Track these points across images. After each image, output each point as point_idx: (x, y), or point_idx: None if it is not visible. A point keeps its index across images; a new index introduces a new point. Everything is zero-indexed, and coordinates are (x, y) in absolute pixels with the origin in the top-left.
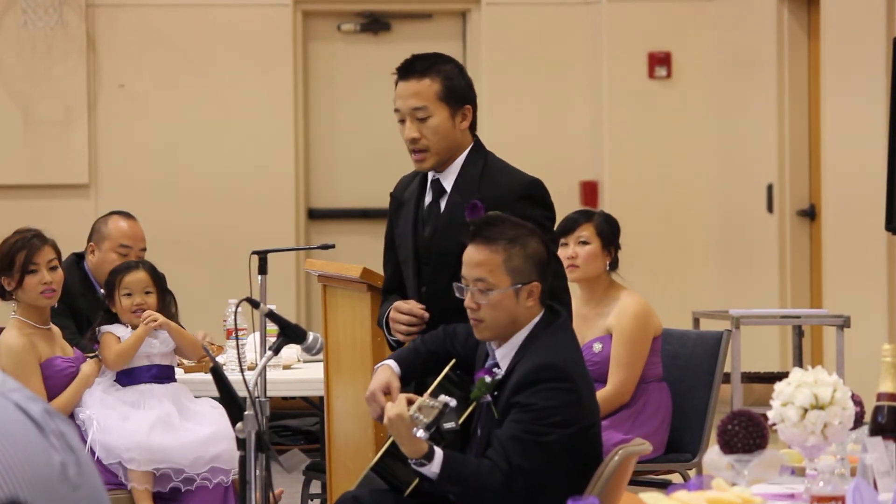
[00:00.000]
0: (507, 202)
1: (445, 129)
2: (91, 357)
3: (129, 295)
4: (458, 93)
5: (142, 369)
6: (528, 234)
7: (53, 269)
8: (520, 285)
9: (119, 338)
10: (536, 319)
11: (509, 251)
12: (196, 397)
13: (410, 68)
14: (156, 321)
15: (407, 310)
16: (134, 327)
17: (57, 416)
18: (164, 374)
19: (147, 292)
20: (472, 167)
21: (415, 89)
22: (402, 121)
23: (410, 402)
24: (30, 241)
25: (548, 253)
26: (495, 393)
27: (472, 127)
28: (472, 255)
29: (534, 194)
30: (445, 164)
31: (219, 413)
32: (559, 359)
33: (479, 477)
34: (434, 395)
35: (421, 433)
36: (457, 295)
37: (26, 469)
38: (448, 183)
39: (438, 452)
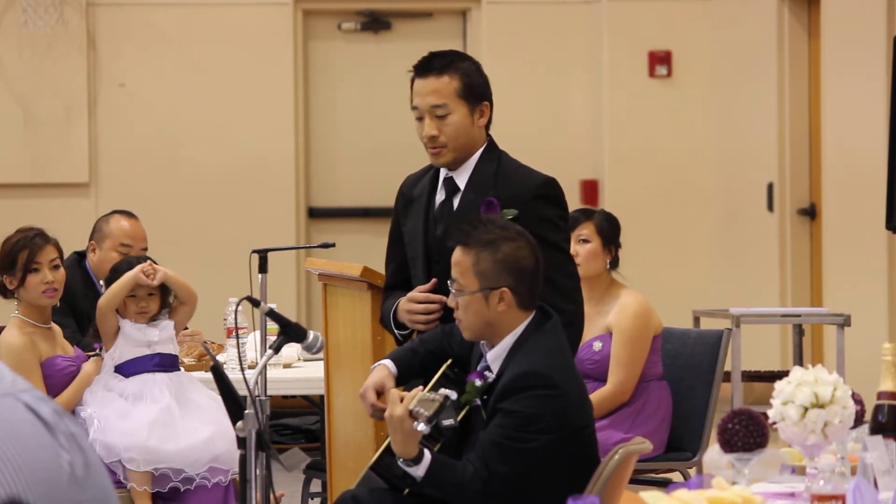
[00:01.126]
0: (522, 201)
1: (464, 126)
2: (92, 356)
3: (132, 296)
4: (477, 90)
5: (144, 359)
6: (506, 238)
7: (55, 268)
8: (487, 290)
9: (119, 327)
10: (526, 322)
11: (479, 255)
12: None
13: (429, 66)
14: (154, 270)
15: (423, 298)
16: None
17: (67, 417)
18: (167, 363)
19: (150, 294)
20: (486, 165)
21: (434, 86)
22: (420, 118)
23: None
24: (32, 241)
25: (535, 259)
26: (485, 397)
27: (487, 125)
28: (453, 255)
29: (549, 193)
30: (460, 161)
31: (218, 407)
32: (545, 364)
33: (462, 482)
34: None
35: (422, 426)
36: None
37: (32, 469)
38: (462, 181)
39: (427, 457)
